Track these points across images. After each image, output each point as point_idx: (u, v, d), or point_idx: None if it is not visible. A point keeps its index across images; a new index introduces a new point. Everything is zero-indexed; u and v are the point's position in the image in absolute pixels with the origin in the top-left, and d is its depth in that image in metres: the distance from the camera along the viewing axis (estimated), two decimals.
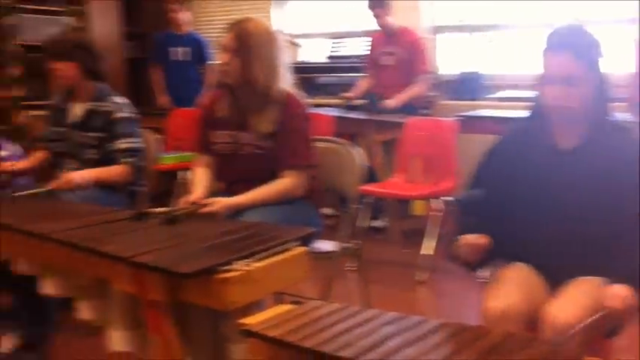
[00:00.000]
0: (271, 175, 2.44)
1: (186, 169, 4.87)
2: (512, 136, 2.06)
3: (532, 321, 1.78)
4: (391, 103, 4.68)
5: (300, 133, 2.45)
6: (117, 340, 2.01)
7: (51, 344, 2.72)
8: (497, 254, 1.92)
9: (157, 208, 2.26)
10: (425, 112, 4.81)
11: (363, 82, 5.09)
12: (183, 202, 2.34)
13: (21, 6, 5.92)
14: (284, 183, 2.42)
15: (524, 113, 2.04)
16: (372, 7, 4.79)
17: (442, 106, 4.95)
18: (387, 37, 4.87)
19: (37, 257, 2.18)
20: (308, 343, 1.42)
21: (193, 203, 2.32)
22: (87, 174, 2.77)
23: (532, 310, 1.79)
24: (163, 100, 5.92)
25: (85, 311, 2.11)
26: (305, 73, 5.32)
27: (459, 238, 1.88)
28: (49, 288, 2.21)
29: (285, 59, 2.48)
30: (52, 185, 2.69)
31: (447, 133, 4.09)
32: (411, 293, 3.58)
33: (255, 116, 2.43)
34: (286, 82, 2.47)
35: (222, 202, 2.34)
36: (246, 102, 2.45)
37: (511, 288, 1.83)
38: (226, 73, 2.42)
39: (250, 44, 2.37)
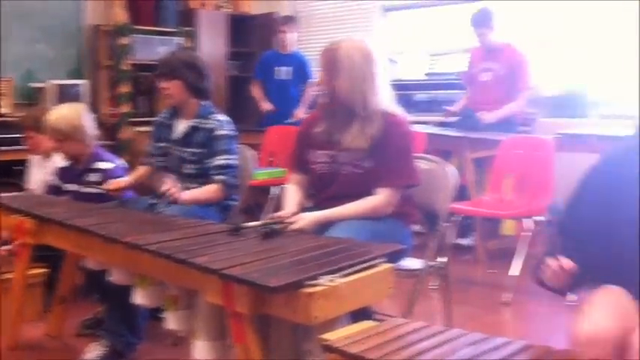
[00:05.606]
0: (369, 195, 2.43)
1: (278, 184, 4.97)
2: (617, 154, 1.97)
3: (623, 347, 1.70)
4: (487, 119, 4.60)
5: (403, 151, 2.43)
6: (201, 349, 2.07)
7: (136, 353, 2.77)
8: (590, 278, 1.85)
9: (249, 222, 2.33)
10: (524, 129, 4.70)
11: (463, 99, 5.03)
12: (271, 218, 2.38)
13: (136, 27, 6.24)
14: (375, 200, 2.40)
15: (630, 131, 1.96)
16: (477, 25, 4.72)
17: (542, 124, 4.81)
18: (487, 52, 4.79)
19: (132, 267, 2.26)
20: None
21: (280, 219, 2.36)
22: (186, 196, 2.83)
23: (623, 336, 1.70)
24: (267, 106, 5.97)
25: (172, 321, 2.17)
26: (401, 90, 5.32)
27: (545, 261, 1.82)
28: (141, 298, 2.29)
29: (384, 77, 2.46)
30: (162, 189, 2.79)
31: (544, 151, 3.96)
32: (496, 315, 3.47)
33: (346, 134, 2.44)
34: (385, 99, 2.46)
35: (308, 218, 2.36)
36: (339, 120, 2.46)
37: (603, 312, 1.75)
38: (322, 94, 2.46)
39: (338, 66, 2.38)
